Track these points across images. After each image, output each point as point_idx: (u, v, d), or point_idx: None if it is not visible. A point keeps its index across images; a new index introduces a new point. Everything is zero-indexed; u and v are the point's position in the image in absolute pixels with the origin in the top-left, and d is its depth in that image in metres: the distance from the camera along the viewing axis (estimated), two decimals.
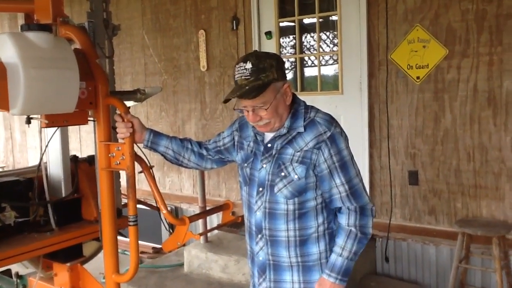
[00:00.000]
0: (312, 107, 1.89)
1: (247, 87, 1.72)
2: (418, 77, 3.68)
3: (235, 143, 2.04)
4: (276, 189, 1.81)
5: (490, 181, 3.49)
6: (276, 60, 1.78)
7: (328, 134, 1.78)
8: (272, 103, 1.75)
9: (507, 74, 3.36)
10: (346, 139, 1.83)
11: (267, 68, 1.73)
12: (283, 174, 1.80)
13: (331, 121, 1.83)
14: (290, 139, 1.82)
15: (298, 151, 1.79)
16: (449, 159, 3.63)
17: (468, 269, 3.49)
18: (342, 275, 1.78)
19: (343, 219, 1.81)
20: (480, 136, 3.49)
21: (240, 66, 1.75)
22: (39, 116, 1.88)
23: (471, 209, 3.58)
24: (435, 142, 3.68)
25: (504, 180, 3.43)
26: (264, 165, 1.85)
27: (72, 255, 2.21)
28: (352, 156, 1.83)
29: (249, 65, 1.73)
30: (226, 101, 1.81)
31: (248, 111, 1.78)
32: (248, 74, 1.72)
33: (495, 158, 3.45)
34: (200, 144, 2.15)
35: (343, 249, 1.78)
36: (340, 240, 1.79)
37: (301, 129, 1.80)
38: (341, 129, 1.84)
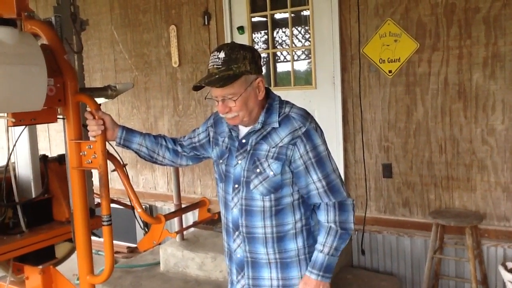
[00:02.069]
0: (287, 102, 1.87)
1: (216, 76, 1.70)
2: (390, 71, 3.72)
3: (210, 139, 2.02)
4: (252, 186, 1.79)
5: (461, 173, 3.55)
6: (251, 53, 1.76)
7: (303, 129, 1.76)
8: (242, 95, 1.73)
9: (476, 67, 3.42)
10: (321, 134, 1.82)
11: (240, 60, 1.71)
12: (258, 170, 1.78)
13: (306, 116, 1.81)
14: (265, 134, 1.80)
15: (273, 147, 1.77)
16: (422, 151, 3.68)
17: (442, 259, 3.55)
18: (324, 271, 1.77)
19: (322, 216, 1.80)
20: (451, 129, 3.55)
21: (214, 55, 1.73)
22: (5, 115, 1.81)
23: (444, 200, 3.64)
24: (407, 135, 3.72)
25: (475, 171, 3.50)
26: (239, 161, 1.83)
27: (44, 257, 2.14)
28: (329, 151, 1.82)
29: (222, 55, 1.71)
30: (195, 88, 1.78)
31: (218, 101, 1.76)
32: (220, 64, 1.71)
33: (466, 150, 3.52)
34: (174, 141, 2.11)
35: (323, 245, 1.77)
36: (321, 237, 1.79)
37: (276, 125, 1.78)
38: (317, 124, 1.82)
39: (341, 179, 1.82)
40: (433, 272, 3.53)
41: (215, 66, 1.72)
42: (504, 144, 3.38)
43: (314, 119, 1.83)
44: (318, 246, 1.79)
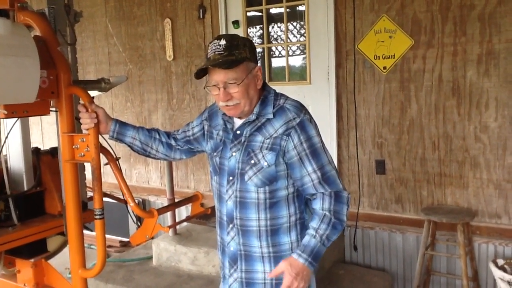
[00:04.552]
0: (282, 94, 1.88)
1: (220, 60, 1.70)
2: (384, 67, 3.72)
3: (205, 133, 2.01)
4: (246, 177, 1.79)
5: (454, 170, 3.57)
6: (249, 42, 1.79)
7: (298, 120, 1.76)
8: (244, 80, 1.73)
9: (471, 64, 3.43)
10: (316, 126, 1.82)
11: (240, 46, 1.73)
12: (253, 161, 1.78)
13: (301, 108, 1.82)
14: (259, 125, 1.80)
15: (268, 138, 1.77)
16: (415, 148, 3.69)
17: (434, 255, 3.57)
18: (313, 258, 1.72)
19: (317, 204, 1.77)
20: (445, 126, 3.56)
21: (214, 43, 1.74)
22: None
23: (436, 197, 3.65)
24: (401, 132, 3.73)
25: (468, 168, 3.52)
26: (234, 153, 1.83)
27: (36, 250, 2.13)
28: (323, 144, 1.81)
29: (223, 42, 1.72)
30: (198, 74, 1.78)
31: (219, 88, 1.74)
32: (222, 50, 1.71)
33: (459, 147, 3.53)
34: (168, 134, 2.11)
35: (316, 231, 1.73)
36: (314, 223, 1.75)
37: (270, 116, 1.79)
38: (311, 116, 1.83)
39: (337, 171, 1.82)
40: (425, 268, 3.55)
41: (216, 52, 1.72)
42: (497, 141, 3.40)
43: (308, 111, 1.84)
44: (311, 231, 1.74)
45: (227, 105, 1.77)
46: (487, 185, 3.47)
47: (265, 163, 1.76)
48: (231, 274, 1.91)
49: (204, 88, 1.84)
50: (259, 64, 1.84)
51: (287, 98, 1.85)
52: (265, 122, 1.79)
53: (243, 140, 1.82)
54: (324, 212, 1.75)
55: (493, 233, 3.46)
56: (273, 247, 1.83)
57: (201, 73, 1.78)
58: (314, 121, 1.83)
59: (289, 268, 1.70)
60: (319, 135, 1.81)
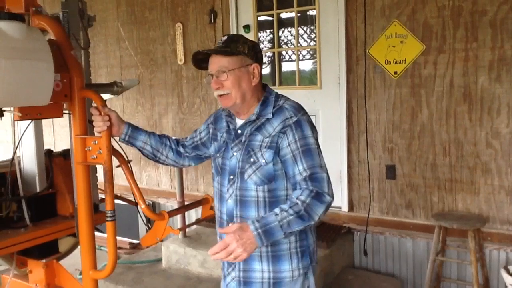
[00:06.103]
0: (283, 96, 1.93)
1: (214, 50, 1.84)
2: (395, 72, 3.71)
3: (210, 136, 2.07)
4: (246, 176, 1.83)
5: (465, 176, 3.54)
6: (252, 43, 1.88)
7: (294, 119, 1.80)
8: (235, 71, 1.80)
9: (482, 70, 3.41)
10: (313, 128, 1.83)
11: (239, 42, 1.84)
12: (252, 160, 1.82)
13: (299, 108, 1.86)
14: (259, 125, 1.85)
15: (267, 137, 1.82)
16: (426, 153, 3.68)
17: (444, 261, 3.55)
18: (264, 232, 1.62)
19: (294, 194, 1.73)
20: (456, 131, 3.54)
21: (219, 39, 1.88)
22: (11, 109, 1.82)
23: (447, 202, 3.63)
24: (412, 137, 3.72)
25: (479, 174, 3.49)
26: (235, 153, 1.88)
27: (48, 251, 2.15)
28: (319, 147, 1.81)
29: (225, 38, 1.87)
30: (194, 60, 1.90)
31: (213, 77, 1.84)
32: (221, 43, 1.85)
33: (470, 152, 3.51)
34: (177, 142, 2.17)
35: (281, 212, 1.66)
36: (284, 206, 1.69)
37: (270, 116, 1.84)
38: (309, 118, 1.86)
39: (328, 176, 1.77)
40: (435, 274, 3.53)
41: (216, 45, 1.86)
42: (509, 147, 3.37)
43: (307, 114, 1.87)
44: (277, 210, 1.68)
45: (219, 95, 1.85)
46: (498, 191, 3.44)
47: (263, 161, 1.80)
48: (229, 273, 1.94)
49: (205, 78, 1.93)
50: (266, 72, 1.88)
51: (287, 99, 1.91)
52: (265, 122, 1.84)
53: (243, 139, 1.86)
54: (297, 201, 1.69)
55: (504, 240, 3.43)
56: (271, 247, 1.84)
57: (203, 64, 1.90)
58: (312, 123, 1.86)
59: (238, 230, 1.62)
60: (315, 137, 1.81)
